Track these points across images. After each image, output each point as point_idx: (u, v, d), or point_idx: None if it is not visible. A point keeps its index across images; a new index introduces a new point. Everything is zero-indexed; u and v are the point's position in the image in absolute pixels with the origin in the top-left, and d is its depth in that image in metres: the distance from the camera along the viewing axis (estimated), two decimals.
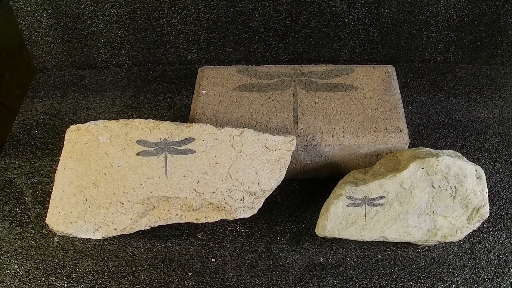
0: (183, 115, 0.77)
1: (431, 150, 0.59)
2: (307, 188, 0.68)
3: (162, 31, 0.80)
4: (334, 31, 0.79)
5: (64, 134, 0.61)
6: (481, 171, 0.57)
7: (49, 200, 0.62)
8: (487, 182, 0.60)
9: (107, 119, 0.60)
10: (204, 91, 0.66)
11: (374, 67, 0.69)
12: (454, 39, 0.80)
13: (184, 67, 0.85)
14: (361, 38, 0.80)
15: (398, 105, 0.64)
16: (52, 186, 0.62)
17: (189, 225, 0.64)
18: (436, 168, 0.55)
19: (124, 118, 0.63)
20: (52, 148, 0.74)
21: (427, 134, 0.73)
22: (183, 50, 0.83)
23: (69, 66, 0.85)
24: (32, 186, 0.69)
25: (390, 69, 0.69)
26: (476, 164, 0.60)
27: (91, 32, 0.80)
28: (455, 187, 0.56)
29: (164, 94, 0.81)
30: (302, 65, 0.70)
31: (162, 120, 0.61)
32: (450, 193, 0.56)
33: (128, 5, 0.77)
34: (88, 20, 0.78)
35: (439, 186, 0.56)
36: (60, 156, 0.60)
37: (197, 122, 0.64)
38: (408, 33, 0.79)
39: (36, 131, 0.76)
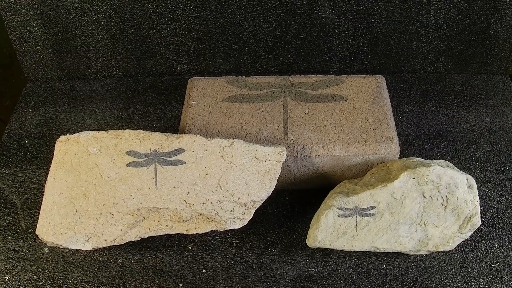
0: (173, 126, 0.77)
1: (421, 160, 0.59)
2: (298, 199, 0.67)
3: (152, 42, 0.80)
4: (324, 42, 0.79)
5: (54, 145, 0.61)
6: (472, 181, 0.57)
7: (39, 210, 0.62)
8: (478, 191, 0.61)
9: (97, 130, 0.61)
10: (194, 102, 0.67)
11: (364, 78, 0.69)
12: (444, 49, 0.81)
13: (174, 78, 0.85)
14: (351, 49, 0.80)
15: (389, 115, 0.64)
16: (42, 197, 0.62)
17: (180, 236, 0.63)
18: (427, 178, 0.56)
19: (114, 129, 0.63)
20: (42, 159, 0.73)
21: (418, 144, 0.74)
22: (173, 61, 0.83)
23: (59, 76, 0.85)
24: (22, 197, 0.69)
25: (380, 80, 0.69)
26: (467, 173, 0.61)
27: (81, 43, 0.80)
28: (446, 196, 0.56)
29: (154, 105, 0.81)
30: (292, 75, 0.70)
31: (152, 131, 0.62)
32: (441, 203, 0.57)
33: (118, 16, 0.77)
34: (78, 30, 0.78)
35: (430, 196, 0.56)
36: (50, 166, 0.60)
37: (187, 133, 0.64)
38: (398, 43, 0.80)
39: (26, 142, 0.76)
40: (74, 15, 0.77)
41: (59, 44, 0.80)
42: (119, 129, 0.61)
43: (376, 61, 0.82)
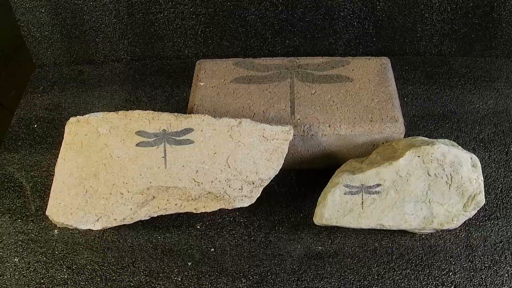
0: (181, 108, 0.77)
1: (426, 138, 0.60)
2: (305, 178, 0.68)
3: (160, 26, 0.81)
4: (329, 25, 0.80)
5: (63, 129, 0.62)
6: (476, 160, 0.58)
7: (49, 193, 0.62)
8: (482, 172, 0.61)
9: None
10: (202, 84, 0.67)
11: (369, 59, 0.70)
12: (448, 32, 0.81)
13: (182, 61, 0.86)
14: (356, 31, 0.81)
15: (394, 96, 0.65)
16: (52, 179, 0.63)
17: (188, 215, 0.64)
18: (431, 156, 0.56)
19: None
20: (51, 142, 0.74)
21: (423, 125, 0.74)
22: (180, 45, 0.83)
23: (67, 61, 0.86)
24: (31, 180, 0.70)
25: (385, 61, 0.69)
26: (472, 153, 0.61)
27: (89, 27, 0.81)
28: (450, 175, 0.57)
29: (162, 88, 0.81)
30: (298, 57, 0.70)
31: None
32: (446, 181, 0.57)
33: (126, 0, 0.78)
34: (86, 15, 0.79)
35: (435, 174, 0.57)
36: (59, 149, 0.61)
37: (195, 113, 0.65)
38: (403, 26, 0.80)
39: (35, 126, 0.76)
40: (82, 0, 0.77)
41: (67, 29, 0.81)
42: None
43: (381, 43, 0.83)
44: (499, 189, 0.67)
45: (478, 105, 0.77)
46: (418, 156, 0.56)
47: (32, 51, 0.84)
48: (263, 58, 0.71)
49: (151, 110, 0.74)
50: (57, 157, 0.63)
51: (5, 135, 0.76)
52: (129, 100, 0.79)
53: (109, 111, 0.62)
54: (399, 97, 0.67)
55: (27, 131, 0.76)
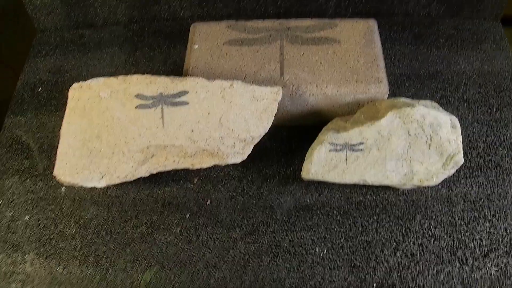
0: (178, 68, 0.81)
1: (408, 100, 0.64)
2: (294, 134, 0.73)
3: None
4: None
5: (67, 91, 0.66)
6: (456, 121, 0.62)
7: (55, 153, 0.68)
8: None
9: (107, 76, 0.65)
10: (196, 46, 0.71)
11: (356, 21, 0.73)
12: None
13: (178, 22, 0.89)
14: None
15: (379, 57, 0.68)
16: (57, 141, 0.68)
17: (185, 171, 0.69)
18: (411, 117, 0.60)
19: (123, 73, 0.68)
20: (55, 105, 0.79)
21: (409, 84, 0.78)
22: (176, 7, 0.86)
23: (68, 25, 0.89)
24: (38, 141, 0.75)
25: (372, 23, 0.73)
26: (455, 113, 0.65)
27: None
28: (430, 135, 0.61)
29: (160, 48, 0.85)
30: (288, 19, 0.73)
31: (159, 74, 0.66)
32: (426, 141, 0.61)
33: None
34: None
35: (415, 134, 0.61)
36: (63, 111, 0.65)
37: (190, 76, 0.69)
38: None
39: (40, 89, 0.81)
40: None
41: None
42: (127, 73, 0.66)
43: (370, 4, 0.85)
44: (481, 148, 0.71)
45: (463, 66, 0.80)
46: (399, 117, 0.60)
47: (33, 17, 0.87)
48: (254, 20, 0.74)
49: (150, 70, 0.78)
50: (62, 119, 0.68)
51: (11, 99, 0.81)
52: (128, 61, 0.83)
53: (109, 74, 0.67)
54: (386, 57, 0.71)
55: (32, 94, 0.80)
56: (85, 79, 0.66)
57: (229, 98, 0.63)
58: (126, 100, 0.63)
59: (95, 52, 0.85)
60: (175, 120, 0.63)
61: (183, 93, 0.63)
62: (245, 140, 0.64)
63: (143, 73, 0.73)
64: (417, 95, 0.76)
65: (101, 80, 0.64)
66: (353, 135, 0.62)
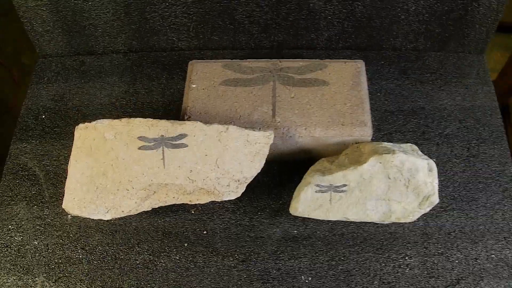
0: (175, 100, 0.91)
1: (389, 145, 0.73)
2: (284, 169, 0.83)
3: (155, 23, 0.92)
4: (312, 24, 0.91)
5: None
6: (433, 164, 0.72)
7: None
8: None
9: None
10: (194, 86, 0.80)
11: (345, 63, 0.82)
12: (423, 31, 0.92)
13: (176, 53, 0.98)
14: (336, 30, 0.92)
15: (365, 100, 0.78)
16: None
17: (184, 203, 0.79)
18: (391, 163, 0.70)
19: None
20: (59, 133, 0.88)
21: (393, 120, 0.87)
22: (174, 39, 0.95)
23: (69, 52, 0.97)
24: (44, 169, 0.84)
25: (360, 64, 0.82)
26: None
27: (89, 24, 0.92)
28: (408, 178, 0.71)
29: (158, 79, 0.94)
30: (280, 60, 0.83)
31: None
32: (404, 183, 0.71)
33: (123, 1, 0.88)
34: (85, 13, 0.90)
35: (394, 178, 0.71)
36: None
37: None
38: (380, 26, 0.91)
39: (43, 117, 0.90)
40: (81, 0, 0.88)
41: (68, 25, 0.92)
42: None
43: (360, 39, 0.94)
44: (458, 182, 0.82)
45: (446, 101, 0.90)
46: (380, 163, 0.70)
47: (35, 43, 0.95)
48: (248, 60, 0.83)
49: (149, 101, 0.87)
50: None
51: (16, 126, 0.89)
52: (128, 92, 0.92)
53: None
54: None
55: (36, 121, 0.90)
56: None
57: (224, 142, 0.72)
58: (130, 141, 0.72)
59: (96, 80, 0.94)
60: (175, 161, 0.72)
61: (183, 136, 0.72)
62: (239, 180, 0.74)
63: (142, 104, 0.83)
64: (400, 131, 0.86)
65: (105, 122, 0.73)
66: (337, 178, 0.71)
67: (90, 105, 0.90)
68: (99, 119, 0.73)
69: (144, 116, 0.86)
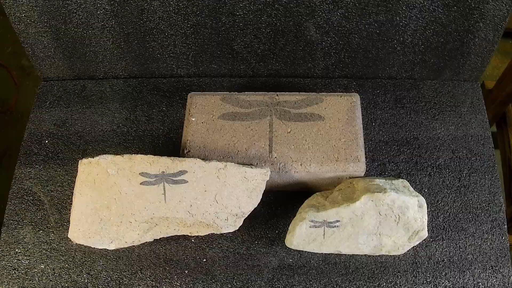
0: (175, 128, 1.00)
1: (381, 183, 0.82)
2: (281, 199, 0.92)
3: (154, 51, 1.01)
4: (308, 54, 0.99)
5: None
6: (423, 201, 0.81)
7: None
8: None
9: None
10: (193, 119, 0.89)
11: (341, 96, 0.91)
12: (419, 61, 1.00)
13: (175, 79, 1.06)
14: (333, 60, 1.00)
15: (359, 135, 0.87)
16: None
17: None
18: (383, 202, 0.79)
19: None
20: (62, 158, 0.97)
21: (387, 150, 0.96)
22: (173, 66, 1.04)
23: (70, 76, 1.06)
24: (48, 194, 0.93)
25: (355, 98, 0.91)
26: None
27: (89, 51, 1.00)
28: (398, 215, 0.80)
29: (158, 107, 1.03)
30: (278, 93, 0.91)
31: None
32: (394, 219, 0.80)
33: (123, 30, 0.97)
34: (86, 41, 0.98)
35: (385, 214, 0.80)
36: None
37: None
38: (376, 57, 0.99)
39: (46, 142, 0.98)
40: (81, 28, 0.96)
41: (69, 51, 1.00)
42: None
43: (356, 69, 1.02)
44: (448, 213, 0.91)
45: (439, 131, 0.98)
46: (372, 200, 0.79)
47: (36, 67, 1.03)
48: (246, 93, 0.92)
49: (149, 129, 0.95)
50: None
51: (19, 150, 0.98)
52: (129, 118, 1.01)
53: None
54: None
55: (39, 146, 0.98)
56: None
57: (223, 178, 0.81)
58: (132, 177, 0.81)
59: (97, 106, 1.03)
60: (176, 196, 0.81)
61: (183, 172, 0.81)
62: (237, 215, 0.83)
63: (143, 132, 0.92)
64: (393, 162, 0.95)
65: (108, 157, 0.82)
66: (330, 214, 0.81)
67: (92, 131, 0.99)
68: (102, 153, 0.82)
69: (144, 144, 0.95)
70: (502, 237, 0.89)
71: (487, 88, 1.52)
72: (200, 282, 0.86)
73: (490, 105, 1.47)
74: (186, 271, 0.87)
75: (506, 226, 0.90)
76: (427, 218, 0.82)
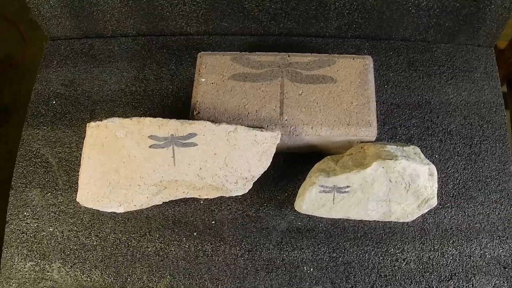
0: (184, 87, 0.95)
1: (392, 149, 0.78)
2: (291, 161, 0.88)
3: (163, 10, 0.95)
4: (321, 14, 0.93)
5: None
6: (434, 169, 0.77)
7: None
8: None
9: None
10: (203, 80, 0.84)
11: (353, 59, 0.85)
12: (433, 25, 0.94)
13: (185, 37, 1.01)
14: (346, 20, 0.95)
15: (371, 99, 0.82)
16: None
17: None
18: (393, 169, 0.75)
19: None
20: (70, 119, 0.93)
21: (398, 113, 0.92)
22: (183, 24, 0.98)
23: (77, 35, 1.00)
24: (56, 156, 0.89)
25: (368, 61, 0.85)
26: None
27: (96, 9, 0.94)
28: (408, 183, 0.76)
29: (167, 66, 0.98)
30: (289, 54, 0.86)
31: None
32: (404, 187, 0.77)
33: None
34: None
35: (396, 181, 0.76)
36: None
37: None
38: (390, 18, 0.93)
39: (54, 102, 0.94)
40: None
41: (75, 10, 0.95)
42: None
43: (369, 30, 0.96)
44: (457, 180, 0.87)
45: (452, 96, 0.94)
46: (383, 167, 0.75)
47: (43, 27, 0.98)
48: (257, 53, 0.87)
49: (158, 88, 0.91)
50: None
51: (26, 112, 0.94)
52: (138, 78, 0.96)
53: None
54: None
55: (47, 107, 0.94)
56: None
57: (233, 141, 0.77)
58: (140, 140, 0.77)
59: (105, 65, 0.98)
60: (185, 159, 0.77)
61: (192, 135, 0.77)
62: (246, 178, 0.79)
63: (152, 91, 0.87)
64: (405, 126, 0.90)
65: (116, 120, 0.78)
66: (341, 179, 0.77)
67: (100, 91, 0.94)
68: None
69: (153, 103, 0.91)
70: (510, 207, 0.85)
71: (499, 48, 1.46)
72: (209, 244, 0.83)
73: (501, 65, 1.42)
74: (195, 233, 0.84)
75: None
76: (437, 187, 0.78)
